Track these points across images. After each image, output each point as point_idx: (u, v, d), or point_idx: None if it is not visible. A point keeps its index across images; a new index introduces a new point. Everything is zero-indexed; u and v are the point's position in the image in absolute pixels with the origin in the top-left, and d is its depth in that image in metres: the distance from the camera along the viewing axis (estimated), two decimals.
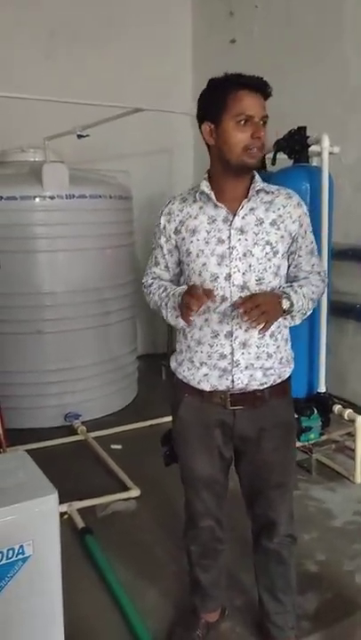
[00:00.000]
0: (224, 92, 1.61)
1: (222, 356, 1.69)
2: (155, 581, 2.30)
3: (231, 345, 1.68)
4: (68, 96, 3.61)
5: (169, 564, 2.39)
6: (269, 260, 1.67)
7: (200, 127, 1.68)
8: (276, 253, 1.68)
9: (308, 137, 3.22)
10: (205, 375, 1.72)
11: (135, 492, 2.93)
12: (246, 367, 1.69)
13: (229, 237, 1.66)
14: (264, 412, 1.74)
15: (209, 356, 1.71)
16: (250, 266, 1.66)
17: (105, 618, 2.11)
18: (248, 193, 1.68)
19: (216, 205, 1.68)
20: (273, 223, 1.68)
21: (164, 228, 1.76)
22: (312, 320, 3.28)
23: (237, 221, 1.67)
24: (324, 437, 3.28)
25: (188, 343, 1.76)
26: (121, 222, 4.16)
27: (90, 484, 3.03)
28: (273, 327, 1.67)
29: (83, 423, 3.77)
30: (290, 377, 1.81)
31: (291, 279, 1.78)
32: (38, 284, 3.80)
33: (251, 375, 1.70)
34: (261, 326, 1.58)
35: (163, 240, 1.77)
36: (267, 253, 1.67)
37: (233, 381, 1.70)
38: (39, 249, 3.77)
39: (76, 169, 4.02)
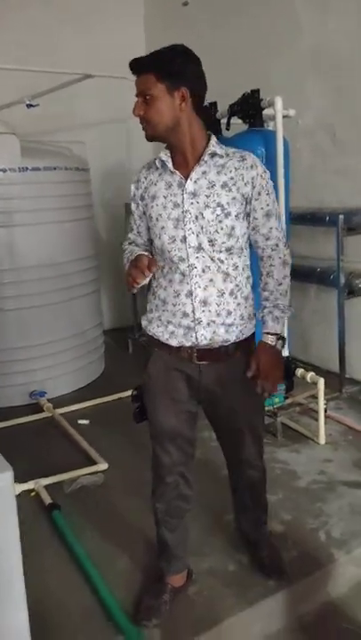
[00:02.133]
0: None
1: (185, 315, 1.78)
2: (124, 553, 2.31)
3: (192, 304, 1.77)
4: (14, 63, 3.48)
5: (137, 535, 2.40)
6: (220, 221, 1.73)
7: None
8: (228, 215, 1.73)
9: (261, 100, 3.17)
10: (172, 333, 1.81)
11: (103, 466, 2.94)
12: (208, 324, 1.77)
13: (183, 201, 1.74)
14: (228, 367, 1.84)
15: (173, 315, 1.80)
16: (202, 228, 1.73)
17: (75, 592, 2.12)
18: (199, 157, 1.74)
19: (172, 172, 1.76)
20: (224, 185, 1.73)
21: (134, 194, 1.87)
22: None
23: (190, 185, 1.74)
24: (288, 401, 3.34)
25: (155, 303, 1.86)
26: (79, 195, 4.07)
27: (57, 461, 3.02)
28: (232, 285, 1.78)
29: (49, 400, 3.74)
30: (254, 333, 1.89)
31: (253, 244, 1.85)
32: None
33: (214, 332, 1.78)
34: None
35: (133, 206, 1.88)
36: (217, 215, 1.72)
37: (197, 338, 1.78)
38: None
39: (29, 140, 3.89)
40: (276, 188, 3.10)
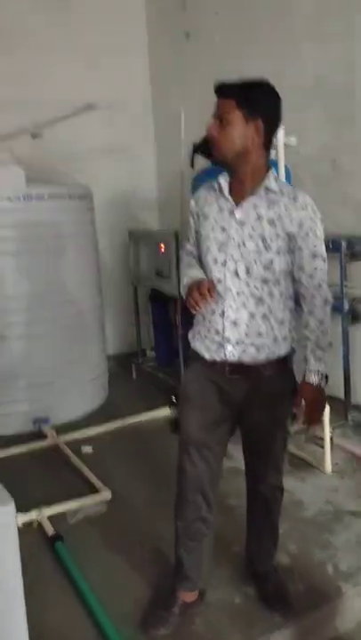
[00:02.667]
0: None
1: (216, 332, 1.92)
2: (128, 587, 2.27)
3: (223, 323, 1.89)
4: (19, 95, 3.55)
5: (142, 568, 2.37)
6: (260, 253, 1.84)
7: None
8: (268, 248, 1.84)
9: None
10: (207, 347, 1.95)
11: (107, 495, 2.90)
12: (237, 343, 1.89)
13: (230, 227, 1.87)
14: (258, 384, 1.93)
15: (208, 331, 1.94)
16: (242, 255, 1.85)
17: (78, 627, 2.08)
18: (253, 188, 1.87)
19: (226, 198, 1.90)
20: (271, 221, 1.84)
21: (192, 210, 2.02)
22: None
23: (239, 214, 1.87)
24: (293, 428, 3.30)
25: (198, 318, 2.01)
26: (83, 222, 4.11)
27: (61, 489, 2.99)
28: (264, 309, 1.88)
29: (52, 427, 3.72)
30: (288, 354, 1.98)
31: (297, 281, 1.91)
32: (1, 288, 3.73)
33: (243, 350, 1.89)
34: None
35: (191, 220, 2.04)
36: (258, 247, 1.84)
37: (225, 354, 1.91)
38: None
39: (34, 170, 3.95)
40: None
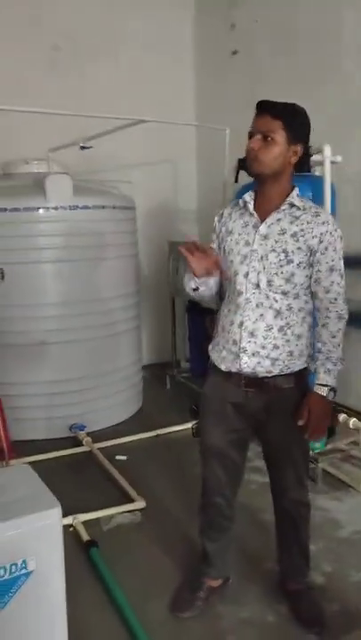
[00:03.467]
0: None
1: (234, 343, 1.95)
2: (160, 595, 2.28)
3: (241, 333, 1.92)
4: (71, 108, 3.64)
5: (175, 577, 2.37)
6: (282, 266, 1.89)
7: None
8: (290, 262, 1.89)
9: (310, 147, 3.22)
10: (223, 358, 1.98)
11: (140, 504, 2.92)
12: (253, 354, 1.91)
13: (253, 241, 1.93)
14: (273, 398, 1.96)
15: (227, 341, 1.97)
16: (264, 268, 1.90)
17: (110, 632, 2.09)
18: (278, 204, 1.92)
19: (251, 213, 1.96)
20: (294, 235, 1.90)
21: (215, 227, 2.08)
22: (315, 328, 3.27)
23: (263, 228, 1.93)
24: (329, 446, 3.27)
25: (218, 329, 2.04)
26: (125, 232, 4.17)
27: (95, 496, 3.02)
28: (282, 322, 1.91)
29: (88, 434, 3.75)
30: (305, 369, 1.99)
31: (314, 295, 1.96)
32: (42, 295, 3.80)
33: (258, 362, 1.91)
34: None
35: (214, 237, 2.08)
36: (280, 260, 1.89)
37: (240, 365, 1.93)
38: (43, 260, 3.78)
39: (80, 180, 4.04)
40: None
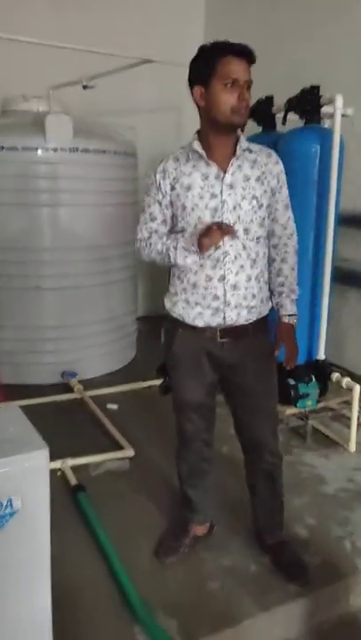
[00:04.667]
0: (213, 58, 1.77)
1: (215, 297, 1.91)
2: (146, 539, 2.31)
3: (224, 287, 1.90)
4: (74, 43, 3.46)
5: (160, 523, 2.40)
6: (255, 212, 1.90)
7: (191, 91, 1.85)
8: (261, 207, 1.92)
9: (320, 97, 3.10)
10: (200, 313, 1.94)
11: (129, 452, 2.93)
12: (235, 306, 1.92)
13: (221, 192, 1.86)
14: (246, 344, 1.99)
15: (204, 297, 1.92)
16: (239, 217, 1.87)
17: (94, 576, 2.12)
18: (235, 152, 1.88)
19: (208, 163, 1.87)
20: (258, 179, 1.91)
21: (160, 185, 1.91)
22: (314, 287, 3.23)
23: (228, 178, 1.87)
24: (321, 405, 3.28)
25: (183, 286, 1.96)
26: (125, 179, 4.06)
27: (84, 443, 3.03)
28: (257, 271, 1.95)
29: (80, 382, 3.75)
30: (268, 314, 2.07)
31: (270, 233, 2.01)
32: (38, 239, 3.73)
33: (238, 313, 1.93)
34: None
35: (160, 196, 1.92)
36: (253, 206, 1.89)
37: (225, 319, 1.93)
38: (39, 203, 3.69)
39: (81, 121, 3.89)
40: (328, 187, 3.06)
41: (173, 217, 1.95)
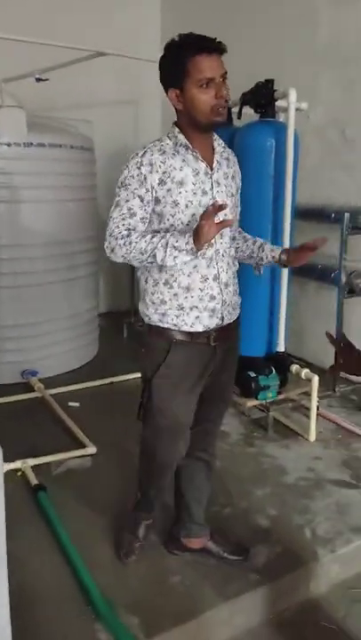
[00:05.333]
0: (183, 59, 1.69)
1: (212, 298, 1.84)
2: (107, 538, 2.29)
3: (219, 286, 1.84)
4: (31, 39, 3.40)
5: (121, 520, 2.39)
6: (233, 210, 1.90)
7: (166, 92, 1.77)
8: (237, 204, 1.95)
9: (275, 91, 3.12)
10: (197, 317, 1.83)
11: (91, 450, 2.91)
12: (229, 304, 1.89)
13: (211, 189, 1.80)
14: (228, 343, 1.95)
15: (200, 299, 1.82)
16: (225, 215, 1.77)
17: (55, 575, 2.10)
18: (213, 149, 1.84)
19: (197, 158, 1.79)
20: (233, 177, 1.91)
21: (145, 178, 1.74)
22: (273, 280, 3.26)
23: (215, 174, 1.82)
24: (281, 396, 3.32)
25: (173, 292, 1.82)
26: (83, 174, 4.01)
27: (45, 442, 2.99)
28: (235, 267, 1.94)
29: (41, 380, 3.70)
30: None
31: None
32: None
33: (230, 311, 1.91)
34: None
35: (142, 191, 1.75)
36: (233, 204, 1.89)
37: (223, 319, 1.87)
38: None
39: (36, 116, 3.83)
40: (284, 181, 3.09)
41: (159, 215, 1.78)
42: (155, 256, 1.71)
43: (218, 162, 1.84)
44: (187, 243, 1.67)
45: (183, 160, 1.77)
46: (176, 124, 1.82)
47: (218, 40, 1.70)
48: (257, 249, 2.00)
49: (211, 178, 1.80)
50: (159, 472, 2.06)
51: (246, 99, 3.16)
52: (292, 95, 3.04)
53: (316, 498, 2.60)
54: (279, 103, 3.17)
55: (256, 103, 3.17)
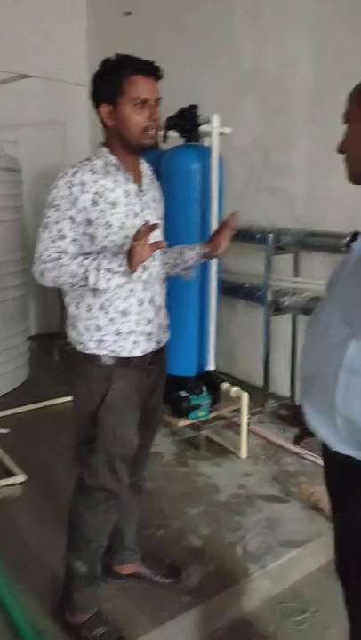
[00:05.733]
0: (120, 76, 1.69)
1: (149, 321, 1.81)
2: (38, 567, 2.24)
3: (154, 309, 1.83)
4: None
5: (55, 548, 2.33)
6: (163, 232, 1.89)
7: (96, 108, 1.75)
8: (163, 225, 1.92)
9: (198, 116, 3.21)
10: (135, 342, 1.79)
11: (21, 478, 2.84)
12: (162, 327, 1.88)
13: (142, 211, 1.80)
14: (160, 365, 1.94)
15: (137, 323, 1.79)
16: (156, 237, 1.77)
17: None
18: (141, 172, 1.85)
19: (128, 179, 1.77)
20: (159, 200, 1.94)
21: (77, 199, 1.69)
22: (202, 300, 3.32)
23: (145, 196, 1.83)
24: (212, 415, 3.36)
25: (110, 317, 1.76)
26: (8, 195, 3.95)
27: None
28: (165, 290, 1.93)
29: None
30: None
31: None
32: None
33: (164, 334, 1.90)
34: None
35: (74, 212, 1.69)
36: (162, 226, 1.89)
37: (158, 342, 1.86)
38: None
39: None
40: (209, 204, 3.17)
41: (90, 237, 1.72)
42: (87, 279, 1.66)
43: (147, 184, 1.85)
44: (120, 265, 1.63)
45: (115, 181, 1.74)
46: (104, 144, 1.80)
47: (156, 66, 1.72)
48: (178, 255, 1.98)
49: (141, 200, 1.80)
50: (102, 529, 1.91)
51: (171, 123, 3.23)
52: (215, 121, 3.13)
53: (247, 514, 2.64)
54: (204, 128, 3.26)
55: (181, 128, 3.24)
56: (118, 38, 4.92)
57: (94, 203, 1.69)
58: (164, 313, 1.91)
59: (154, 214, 1.84)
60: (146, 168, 1.89)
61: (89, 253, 1.72)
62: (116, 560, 2.16)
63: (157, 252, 1.82)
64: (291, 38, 3.63)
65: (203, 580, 2.21)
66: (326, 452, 1.39)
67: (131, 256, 1.60)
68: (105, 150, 1.77)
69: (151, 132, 1.72)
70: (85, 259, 1.68)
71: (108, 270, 1.64)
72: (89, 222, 1.70)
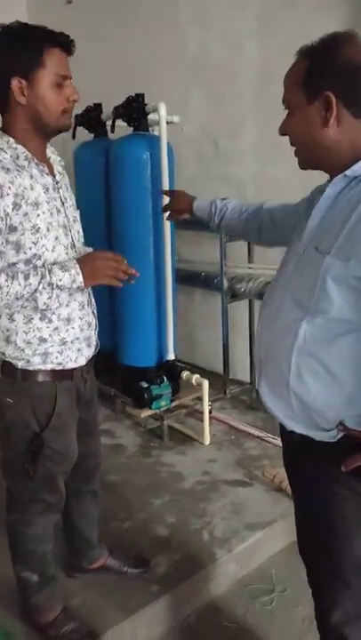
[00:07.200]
0: (39, 47, 1.48)
1: (89, 325, 1.70)
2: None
3: (92, 311, 1.72)
4: None
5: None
6: (80, 222, 1.75)
7: (7, 81, 1.48)
8: (79, 217, 1.74)
9: (145, 104, 3.18)
10: (79, 350, 1.67)
11: None
12: (96, 329, 1.76)
13: (63, 205, 1.62)
14: (91, 370, 1.84)
15: (81, 330, 1.66)
16: (78, 232, 1.71)
17: None
18: (49, 157, 1.66)
19: (42, 172, 1.55)
20: (71, 187, 1.76)
21: None
22: (158, 289, 3.31)
23: (62, 188, 1.65)
24: (175, 403, 3.36)
25: (54, 326, 1.58)
26: None
27: None
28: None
29: None
30: None
31: None
32: None
33: (98, 336, 1.78)
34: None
35: None
36: (78, 216, 1.73)
37: (96, 346, 1.76)
38: None
39: None
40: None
41: (17, 245, 1.49)
42: (35, 300, 1.49)
43: (59, 172, 1.66)
44: (73, 281, 1.51)
45: (31, 177, 1.51)
46: (3, 129, 1.54)
47: (74, 43, 1.54)
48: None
49: (59, 192, 1.61)
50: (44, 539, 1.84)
51: (119, 112, 3.19)
52: (162, 109, 3.10)
53: (212, 500, 2.66)
54: (152, 116, 3.24)
55: (128, 117, 3.21)
56: (61, 28, 4.79)
57: (16, 206, 1.45)
58: (96, 313, 1.77)
59: (72, 206, 1.69)
60: (53, 152, 1.69)
61: (15, 264, 1.50)
62: (85, 562, 2.13)
63: (83, 251, 1.69)
64: (235, 22, 3.63)
65: (171, 569, 2.22)
66: (283, 432, 1.41)
67: (95, 272, 1.54)
68: (10, 140, 1.51)
69: (70, 114, 1.56)
70: (28, 276, 1.47)
71: (60, 287, 1.50)
72: (12, 229, 1.46)
